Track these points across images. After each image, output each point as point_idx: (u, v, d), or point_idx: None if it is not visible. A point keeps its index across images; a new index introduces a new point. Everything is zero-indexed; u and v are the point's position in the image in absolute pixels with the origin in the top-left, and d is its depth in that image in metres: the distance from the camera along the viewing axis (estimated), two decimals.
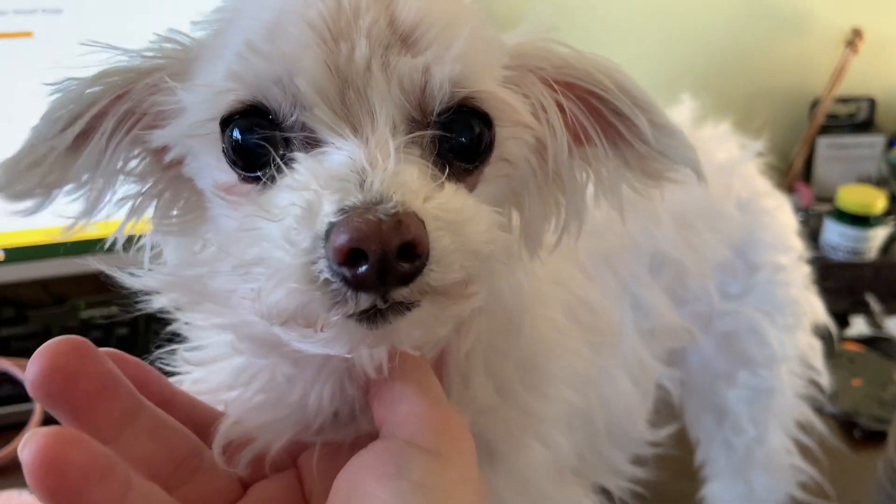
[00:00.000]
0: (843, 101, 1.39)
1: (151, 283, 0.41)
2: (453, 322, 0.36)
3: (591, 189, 0.43)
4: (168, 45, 0.39)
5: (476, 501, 0.34)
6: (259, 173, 0.34)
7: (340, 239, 0.29)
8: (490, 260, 0.34)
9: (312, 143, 0.34)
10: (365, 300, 0.30)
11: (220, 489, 0.38)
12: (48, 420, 0.92)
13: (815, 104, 1.38)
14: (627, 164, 0.41)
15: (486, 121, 0.36)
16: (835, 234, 1.19)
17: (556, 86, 0.40)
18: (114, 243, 0.43)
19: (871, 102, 1.40)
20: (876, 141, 1.40)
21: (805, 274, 0.76)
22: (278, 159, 0.34)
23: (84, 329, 1.05)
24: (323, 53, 0.33)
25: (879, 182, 1.36)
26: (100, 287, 1.30)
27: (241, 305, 0.34)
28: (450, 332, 0.41)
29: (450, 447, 0.34)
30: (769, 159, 0.78)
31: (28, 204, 0.39)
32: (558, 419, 0.50)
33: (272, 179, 0.34)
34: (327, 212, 0.30)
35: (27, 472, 0.29)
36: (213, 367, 0.42)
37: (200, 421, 0.39)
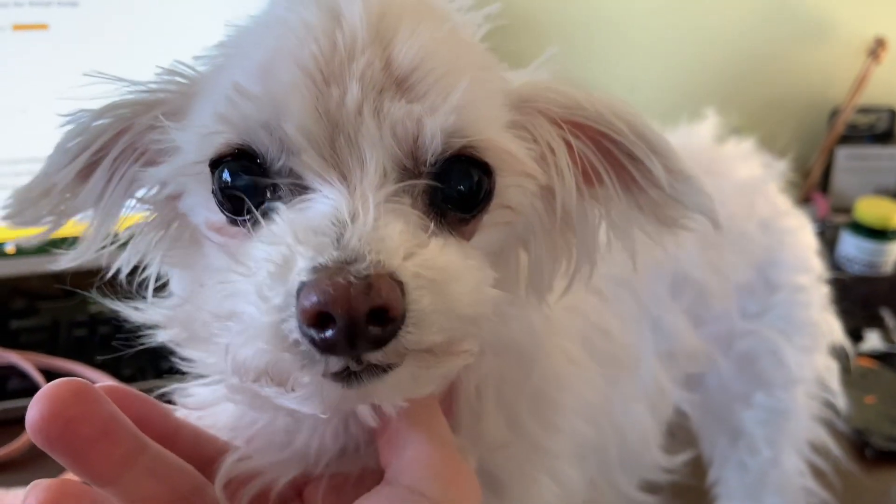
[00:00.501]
0: (864, 111, 1.38)
1: (154, 316, 0.40)
2: (441, 380, 0.35)
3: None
4: (172, 79, 0.38)
5: None
6: (246, 217, 0.34)
7: (308, 301, 0.28)
8: (478, 321, 0.33)
9: (300, 189, 0.33)
10: (335, 363, 0.29)
11: None
12: None
13: (834, 113, 1.37)
14: (640, 209, 0.40)
15: (485, 169, 0.35)
16: (851, 246, 1.19)
17: (565, 126, 0.38)
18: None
19: (892, 113, 1.39)
20: None
21: (824, 294, 0.75)
22: (254, 209, 0.33)
23: (93, 323, 1.05)
24: (312, 97, 0.32)
25: None
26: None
27: (219, 356, 0.33)
28: (459, 368, 0.40)
29: (455, 496, 0.33)
30: (788, 171, 0.77)
31: (40, 229, 0.39)
32: (570, 452, 0.49)
33: (254, 226, 0.33)
34: (300, 269, 0.29)
35: None
36: (214, 409, 0.42)
37: (205, 454, 0.39)
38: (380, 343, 0.29)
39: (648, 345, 0.61)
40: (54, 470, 0.72)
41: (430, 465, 0.34)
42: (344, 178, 0.32)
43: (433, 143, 0.33)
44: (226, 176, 0.34)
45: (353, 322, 0.28)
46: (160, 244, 0.41)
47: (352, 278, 0.28)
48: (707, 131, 0.72)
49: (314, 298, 0.28)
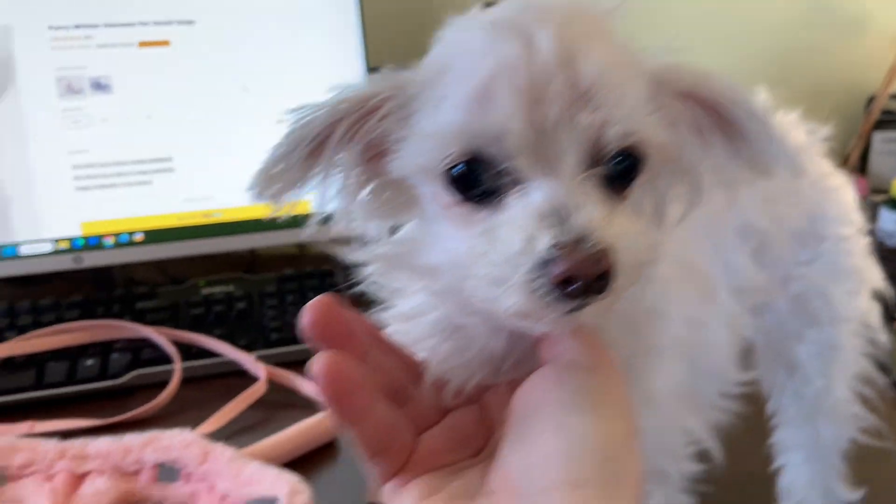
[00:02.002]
0: None
1: (362, 256, 0.52)
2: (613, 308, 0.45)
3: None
4: (394, 79, 0.47)
5: (622, 401, 0.44)
6: (477, 199, 0.44)
7: (559, 268, 0.40)
8: (649, 268, 0.44)
9: (516, 182, 0.43)
10: (570, 305, 0.41)
11: (426, 412, 0.48)
12: (186, 379, 1.03)
13: (870, 100, 1.44)
14: (741, 160, 0.50)
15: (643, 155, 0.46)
16: (890, 222, 1.26)
17: (687, 98, 0.48)
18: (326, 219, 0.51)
19: None
20: None
21: (865, 244, 0.83)
22: (500, 196, 0.43)
23: (207, 304, 1.14)
24: (528, 116, 0.42)
25: None
26: (214, 267, 1.39)
27: (471, 297, 0.44)
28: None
29: (602, 364, 0.44)
30: (831, 145, 0.83)
31: (283, 201, 0.48)
32: (676, 352, 0.60)
33: (491, 208, 0.44)
34: (544, 245, 0.40)
35: (317, 378, 0.41)
36: (413, 321, 0.52)
37: (407, 361, 0.50)
38: (600, 292, 0.41)
39: (722, 279, 0.70)
40: (184, 425, 0.86)
41: (581, 346, 0.45)
42: (551, 173, 0.43)
43: (613, 143, 0.43)
44: (458, 170, 0.44)
45: (589, 282, 0.40)
46: (364, 201, 0.50)
47: (587, 253, 0.40)
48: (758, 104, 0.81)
49: (564, 267, 0.39)
